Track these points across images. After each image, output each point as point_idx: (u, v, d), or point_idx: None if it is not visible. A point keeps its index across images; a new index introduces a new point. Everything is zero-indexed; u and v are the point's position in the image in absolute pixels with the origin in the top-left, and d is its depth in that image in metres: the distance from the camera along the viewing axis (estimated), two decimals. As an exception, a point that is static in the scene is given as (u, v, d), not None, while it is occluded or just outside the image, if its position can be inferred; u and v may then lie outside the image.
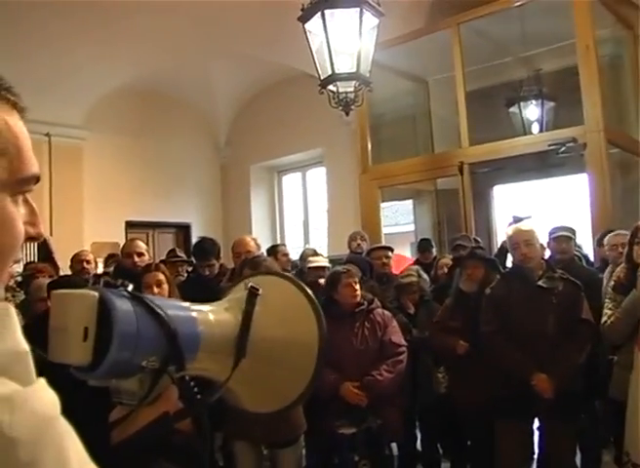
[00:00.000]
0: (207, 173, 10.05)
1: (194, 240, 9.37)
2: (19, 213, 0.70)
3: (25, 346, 0.56)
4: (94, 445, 0.80)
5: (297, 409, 3.73)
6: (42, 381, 0.56)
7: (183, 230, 9.76)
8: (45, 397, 0.55)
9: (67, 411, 0.59)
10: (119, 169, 8.77)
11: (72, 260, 5.54)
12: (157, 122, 9.21)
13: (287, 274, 1.16)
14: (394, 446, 4.53)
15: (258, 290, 1.04)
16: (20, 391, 0.52)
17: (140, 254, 4.26)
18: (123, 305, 0.81)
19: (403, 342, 4.08)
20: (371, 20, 4.91)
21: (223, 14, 6.99)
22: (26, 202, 0.73)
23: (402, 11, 6.56)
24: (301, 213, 9.85)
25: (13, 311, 0.57)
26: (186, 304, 0.99)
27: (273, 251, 5.84)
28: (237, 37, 7.54)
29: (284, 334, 1.04)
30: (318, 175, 9.53)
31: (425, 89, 8.26)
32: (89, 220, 7.80)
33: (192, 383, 0.92)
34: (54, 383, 0.58)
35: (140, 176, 8.94)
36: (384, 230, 7.73)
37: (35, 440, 0.50)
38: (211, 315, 0.99)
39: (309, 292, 1.08)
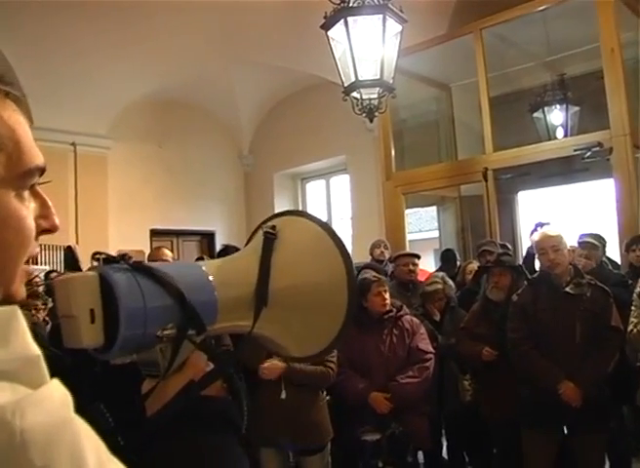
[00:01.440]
0: (231, 181, 10.10)
1: (218, 247, 9.47)
2: (26, 208, 0.69)
3: (35, 350, 0.55)
4: (130, 419, 0.79)
5: (324, 417, 3.72)
6: (55, 382, 0.55)
7: (207, 238, 9.80)
8: (57, 399, 0.54)
9: (98, 394, 0.58)
10: (143, 177, 8.83)
11: (97, 268, 5.57)
12: (181, 131, 9.28)
13: (304, 211, 1.08)
14: (420, 453, 4.49)
15: (274, 233, 1.00)
16: (30, 395, 0.51)
17: (167, 262, 4.27)
18: (125, 279, 0.80)
19: (430, 349, 4.06)
20: (394, 27, 4.91)
21: (246, 23, 7.03)
22: (36, 195, 0.72)
23: (424, 17, 6.54)
24: (325, 220, 9.81)
25: (21, 315, 0.56)
26: (197, 264, 0.96)
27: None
28: (259, 46, 7.57)
29: (309, 276, 0.99)
30: (341, 183, 9.52)
31: (448, 95, 8.22)
32: (114, 228, 7.86)
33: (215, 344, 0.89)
34: (78, 374, 0.57)
35: (165, 185, 9.00)
36: (408, 237, 7.70)
37: (48, 443, 0.50)
38: (227, 269, 0.96)
39: (329, 226, 1.03)
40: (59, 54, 6.65)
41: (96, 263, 0.85)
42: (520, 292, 3.95)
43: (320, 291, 1.00)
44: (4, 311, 0.56)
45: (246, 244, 1.07)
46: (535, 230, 4.76)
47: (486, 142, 6.78)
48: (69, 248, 5.18)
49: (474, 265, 5.52)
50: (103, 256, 0.86)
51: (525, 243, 7.54)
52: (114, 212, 8.13)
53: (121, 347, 0.78)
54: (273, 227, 1.01)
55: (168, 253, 4.33)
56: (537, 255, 4.02)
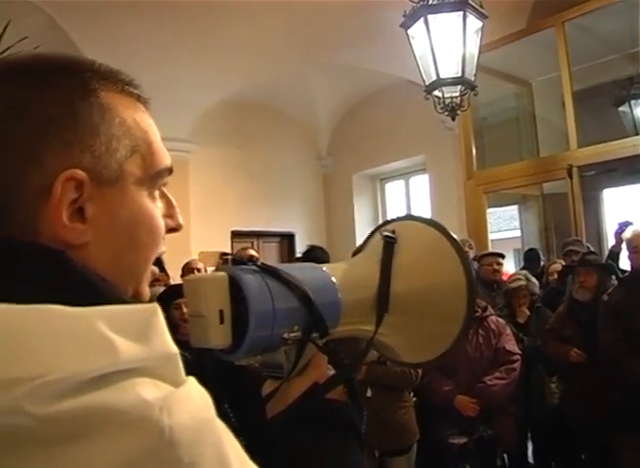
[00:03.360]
0: (310, 182, 10.14)
1: (298, 249, 9.55)
2: (157, 207, 0.72)
3: (174, 347, 0.55)
4: (251, 421, 0.80)
5: (410, 418, 3.71)
6: (193, 380, 0.56)
7: (288, 239, 9.87)
8: (198, 397, 0.55)
9: (221, 395, 0.58)
10: (224, 180, 8.97)
11: (184, 269, 5.69)
12: (260, 133, 9.38)
13: (419, 215, 1.07)
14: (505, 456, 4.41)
15: (394, 238, 0.99)
16: (174, 392, 0.52)
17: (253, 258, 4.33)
18: (254, 281, 0.80)
19: (517, 350, 3.99)
20: (474, 23, 4.85)
21: (323, 24, 7.05)
22: (163, 195, 0.74)
23: (504, 12, 6.41)
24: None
25: (160, 312, 0.57)
26: (320, 266, 0.95)
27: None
28: (337, 47, 7.58)
29: (428, 281, 0.98)
30: (421, 182, 9.43)
31: (529, 91, 8.04)
32: (196, 231, 8.00)
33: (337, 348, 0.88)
34: (200, 374, 0.58)
35: (245, 187, 9.12)
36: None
37: (195, 440, 0.50)
38: (349, 272, 0.96)
39: (449, 231, 1.01)
40: (138, 59, 6.81)
41: (218, 263, 0.85)
42: (611, 291, 3.84)
43: (439, 294, 0.99)
44: (146, 308, 0.57)
45: (358, 250, 1.08)
46: (620, 229, 4.62)
47: (570, 138, 6.60)
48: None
49: (558, 265, 5.40)
50: (231, 258, 0.86)
51: (611, 242, 7.31)
52: (196, 214, 8.28)
53: (248, 349, 0.79)
54: (392, 231, 1.00)
55: (253, 253, 4.40)
56: (629, 254, 3.89)
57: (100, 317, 0.53)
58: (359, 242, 1.13)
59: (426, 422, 3.83)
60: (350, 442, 0.81)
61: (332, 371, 0.88)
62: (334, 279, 0.91)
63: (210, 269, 6.13)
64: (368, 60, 7.88)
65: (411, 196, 9.77)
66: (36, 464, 0.46)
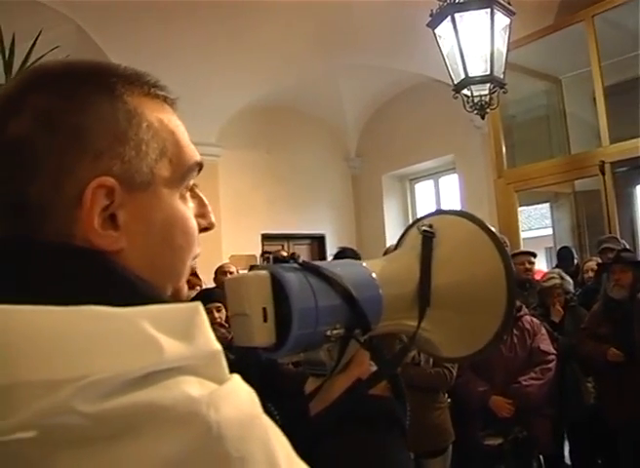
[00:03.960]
0: (339, 184, 10.14)
1: (328, 251, 9.56)
2: (189, 208, 0.72)
3: (217, 345, 0.56)
4: (294, 419, 0.79)
5: (445, 420, 3.68)
6: (237, 378, 0.56)
7: (318, 241, 9.89)
8: (244, 394, 0.55)
9: (265, 394, 0.59)
10: (253, 183, 9.01)
11: (216, 272, 5.73)
12: (288, 136, 9.40)
13: (460, 210, 1.05)
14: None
15: (432, 232, 0.98)
16: (220, 389, 0.53)
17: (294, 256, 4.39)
18: (296, 279, 0.79)
19: (552, 350, 3.95)
20: (502, 20, 4.80)
21: (349, 25, 7.05)
22: (194, 195, 0.75)
23: (531, 7, 6.35)
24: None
25: (203, 310, 0.57)
26: (359, 262, 0.94)
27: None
28: (363, 47, 7.58)
29: (467, 275, 0.97)
30: (451, 182, 9.38)
31: (559, 87, 7.95)
32: (226, 234, 8.03)
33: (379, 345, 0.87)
34: (243, 373, 0.58)
35: (274, 190, 9.15)
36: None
37: (243, 435, 0.51)
38: (388, 268, 0.95)
39: (488, 225, 1.00)
40: (164, 63, 6.85)
41: (223, 279, 0.86)
42: (647, 289, 3.78)
43: (479, 287, 0.97)
44: (189, 307, 0.57)
45: (396, 247, 1.07)
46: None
47: (602, 134, 6.51)
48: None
49: (594, 263, 5.34)
50: (273, 256, 0.86)
51: (645, 239, 7.20)
52: (226, 218, 8.32)
53: (292, 346, 0.79)
54: (430, 226, 0.99)
55: (285, 254, 4.44)
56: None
57: (143, 316, 0.53)
58: (389, 243, 1.12)
59: (460, 423, 3.80)
60: (395, 438, 0.81)
61: (374, 368, 0.87)
62: (374, 274, 0.90)
63: (242, 272, 6.17)
64: (395, 60, 7.86)
65: (441, 196, 9.73)
66: (87, 462, 0.47)
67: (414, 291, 0.93)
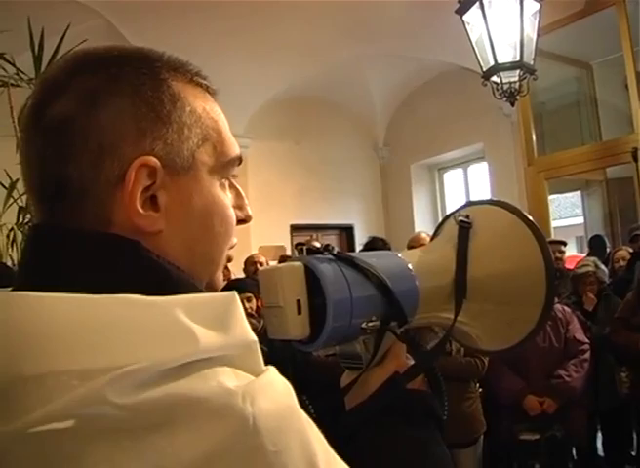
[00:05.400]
0: (367, 174, 10.11)
1: (357, 241, 9.54)
2: (228, 197, 0.72)
3: (253, 336, 0.56)
4: (330, 412, 0.78)
5: (476, 410, 3.66)
6: (273, 370, 0.56)
7: (347, 231, 9.88)
8: (280, 385, 0.55)
9: (300, 386, 0.58)
10: (281, 174, 9.03)
11: (246, 263, 5.75)
12: (316, 127, 9.40)
13: (498, 199, 1.03)
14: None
15: (469, 222, 0.96)
16: (256, 380, 0.53)
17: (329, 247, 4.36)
18: (331, 271, 0.78)
19: (585, 339, 3.90)
20: (532, 6, 4.75)
21: (375, 13, 7.00)
22: (232, 186, 0.74)
23: (561, -8, 6.26)
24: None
25: (238, 300, 0.57)
26: (397, 254, 0.93)
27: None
28: (390, 36, 7.53)
29: (506, 266, 0.95)
30: (480, 171, 9.29)
31: (589, 73, 7.83)
32: (255, 225, 8.00)
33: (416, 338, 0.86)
34: (281, 365, 0.57)
35: (302, 181, 9.16)
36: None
37: (279, 428, 0.51)
38: (424, 259, 0.94)
39: (526, 214, 0.98)
40: (191, 56, 6.69)
41: (252, 270, 0.85)
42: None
43: (518, 279, 0.96)
44: (225, 296, 0.57)
45: (432, 237, 1.06)
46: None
47: (634, 120, 6.39)
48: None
49: (624, 252, 5.26)
50: (307, 247, 0.86)
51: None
52: (255, 208, 8.08)
53: (327, 339, 0.78)
54: (467, 216, 0.98)
55: (317, 244, 4.43)
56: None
57: (179, 306, 0.53)
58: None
59: (493, 415, 3.77)
60: (433, 432, 0.79)
61: (411, 361, 0.86)
62: (410, 265, 0.89)
63: (271, 263, 6.18)
64: (422, 49, 7.80)
65: (470, 185, 9.64)
66: (122, 454, 0.47)
67: (450, 282, 0.92)
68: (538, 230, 0.96)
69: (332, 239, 9.69)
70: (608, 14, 6.56)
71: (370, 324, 0.80)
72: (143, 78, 0.65)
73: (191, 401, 0.49)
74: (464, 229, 0.96)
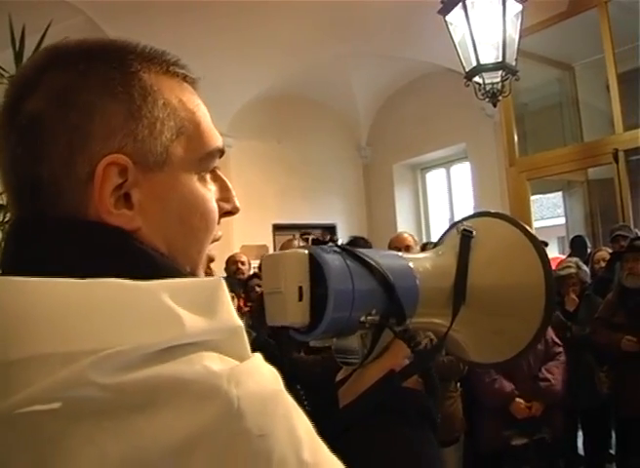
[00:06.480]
0: (350, 173, 10.11)
1: (340, 240, 9.51)
2: (209, 191, 0.70)
3: (239, 321, 0.55)
4: (324, 406, 0.79)
5: (456, 409, 3.67)
6: (259, 356, 0.56)
7: (329, 231, 9.86)
8: (266, 370, 0.54)
9: (295, 381, 0.57)
10: (264, 173, 9.00)
11: (227, 262, 5.73)
12: (298, 126, 9.38)
13: (498, 212, 1.04)
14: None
15: (471, 232, 0.96)
16: (242, 365, 0.52)
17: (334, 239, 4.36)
18: (335, 261, 0.78)
19: (558, 341, 3.95)
20: (514, 7, 4.78)
21: (359, 13, 7.01)
22: (216, 177, 0.73)
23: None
24: (447, 210, 9.65)
25: (225, 285, 0.57)
26: (398, 254, 0.93)
27: (424, 248, 5.76)
28: (373, 36, 7.54)
29: (506, 279, 0.95)
30: (462, 171, 9.33)
31: (571, 75, 7.88)
32: (238, 224, 8.04)
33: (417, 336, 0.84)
34: (277, 356, 0.56)
35: (285, 180, 9.15)
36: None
37: (264, 412, 0.50)
38: (425, 263, 0.93)
39: (528, 228, 0.98)
40: (173, 54, 6.89)
41: (233, 269, 0.84)
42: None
43: (516, 293, 0.96)
44: (210, 281, 0.57)
45: (434, 246, 1.05)
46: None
47: (615, 122, 6.46)
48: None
49: (604, 253, 5.32)
50: (312, 237, 0.85)
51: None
52: (237, 208, 8.34)
53: (325, 329, 0.77)
54: (469, 227, 0.98)
55: (297, 244, 4.42)
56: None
57: (164, 290, 0.53)
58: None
59: (478, 417, 3.77)
60: (427, 432, 0.79)
61: (406, 361, 0.85)
62: (411, 264, 0.89)
63: (254, 262, 6.15)
64: (406, 49, 7.82)
65: (452, 185, 9.67)
66: (106, 434, 0.46)
67: (450, 287, 0.92)
68: (541, 247, 0.97)
69: (314, 239, 9.67)
70: (590, 16, 6.61)
71: (369, 318, 0.79)
72: (113, 73, 0.63)
73: (176, 383, 0.48)
74: (466, 237, 0.96)
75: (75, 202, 0.61)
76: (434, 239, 9.19)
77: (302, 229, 9.55)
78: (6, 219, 4.41)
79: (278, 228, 9.13)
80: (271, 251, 8.30)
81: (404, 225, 9.30)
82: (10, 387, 0.47)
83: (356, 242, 4.33)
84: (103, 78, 0.63)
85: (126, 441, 0.46)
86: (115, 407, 0.47)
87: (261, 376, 0.53)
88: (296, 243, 4.37)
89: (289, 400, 0.54)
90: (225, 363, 0.52)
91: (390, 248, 4.56)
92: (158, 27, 6.54)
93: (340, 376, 0.86)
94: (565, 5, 6.83)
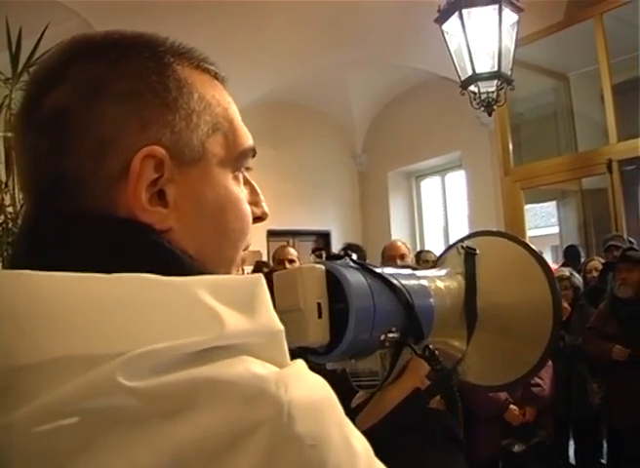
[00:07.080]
0: (345, 180, 10.14)
1: (334, 247, 9.53)
2: (242, 192, 0.66)
3: (280, 324, 0.51)
4: None
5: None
6: (301, 362, 0.52)
7: (323, 237, 9.87)
8: (312, 377, 0.50)
9: None
10: (259, 180, 8.71)
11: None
12: (294, 132, 9.39)
13: (501, 231, 1.01)
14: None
15: (474, 249, 0.93)
16: (286, 370, 0.48)
17: (292, 261, 4.37)
18: (354, 277, 0.73)
19: None
20: (510, 17, 4.78)
21: (356, 21, 7.03)
22: (246, 181, 0.68)
23: (540, 4, 6.31)
24: (442, 218, 9.67)
25: (264, 283, 0.53)
26: (412, 272, 0.89)
27: (418, 256, 5.77)
28: (370, 43, 7.56)
29: (512, 297, 0.93)
30: (457, 179, 9.36)
31: (566, 85, 7.91)
32: (232, 230, 8.03)
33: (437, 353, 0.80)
34: None
35: (280, 186, 9.13)
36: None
37: (317, 419, 0.46)
38: (436, 281, 0.89)
39: (532, 246, 0.96)
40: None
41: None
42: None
43: (523, 314, 0.93)
44: (250, 278, 0.53)
45: (432, 267, 1.02)
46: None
47: (609, 132, 6.48)
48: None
49: (597, 263, 5.33)
50: (325, 252, 0.82)
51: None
52: (232, 214, 8.33)
53: (346, 349, 0.72)
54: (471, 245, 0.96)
55: (293, 251, 4.44)
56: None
57: (202, 286, 0.49)
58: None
59: (472, 427, 3.75)
60: (456, 454, 0.74)
61: (426, 380, 0.81)
62: (425, 282, 0.86)
63: (248, 268, 6.14)
64: (402, 57, 7.85)
65: (447, 193, 9.70)
66: (138, 444, 0.42)
67: (461, 306, 0.89)
68: (547, 266, 0.94)
69: (309, 245, 9.66)
70: (585, 27, 6.65)
71: (389, 335, 0.75)
72: (147, 62, 0.59)
73: (217, 384, 0.44)
74: (470, 255, 0.93)
75: (103, 199, 0.56)
76: (428, 247, 9.23)
77: (297, 235, 9.57)
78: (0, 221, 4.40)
79: (272, 234, 9.11)
80: (265, 257, 8.27)
81: (398, 233, 9.31)
82: (21, 395, 0.43)
83: (350, 249, 4.33)
84: (138, 67, 0.59)
85: (161, 449, 0.42)
86: (147, 413, 0.42)
87: (309, 382, 0.49)
88: (290, 249, 4.38)
89: (340, 408, 0.50)
90: (268, 368, 0.47)
91: (384, 256, 4.56)
92: (154, 31, 6.55)
93: (356, 401, 0.81)
94: (561, 16, 6.86)
